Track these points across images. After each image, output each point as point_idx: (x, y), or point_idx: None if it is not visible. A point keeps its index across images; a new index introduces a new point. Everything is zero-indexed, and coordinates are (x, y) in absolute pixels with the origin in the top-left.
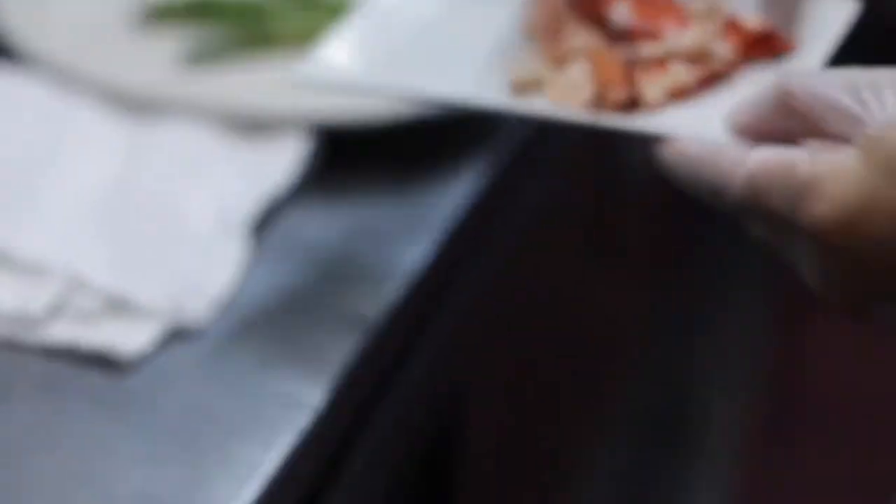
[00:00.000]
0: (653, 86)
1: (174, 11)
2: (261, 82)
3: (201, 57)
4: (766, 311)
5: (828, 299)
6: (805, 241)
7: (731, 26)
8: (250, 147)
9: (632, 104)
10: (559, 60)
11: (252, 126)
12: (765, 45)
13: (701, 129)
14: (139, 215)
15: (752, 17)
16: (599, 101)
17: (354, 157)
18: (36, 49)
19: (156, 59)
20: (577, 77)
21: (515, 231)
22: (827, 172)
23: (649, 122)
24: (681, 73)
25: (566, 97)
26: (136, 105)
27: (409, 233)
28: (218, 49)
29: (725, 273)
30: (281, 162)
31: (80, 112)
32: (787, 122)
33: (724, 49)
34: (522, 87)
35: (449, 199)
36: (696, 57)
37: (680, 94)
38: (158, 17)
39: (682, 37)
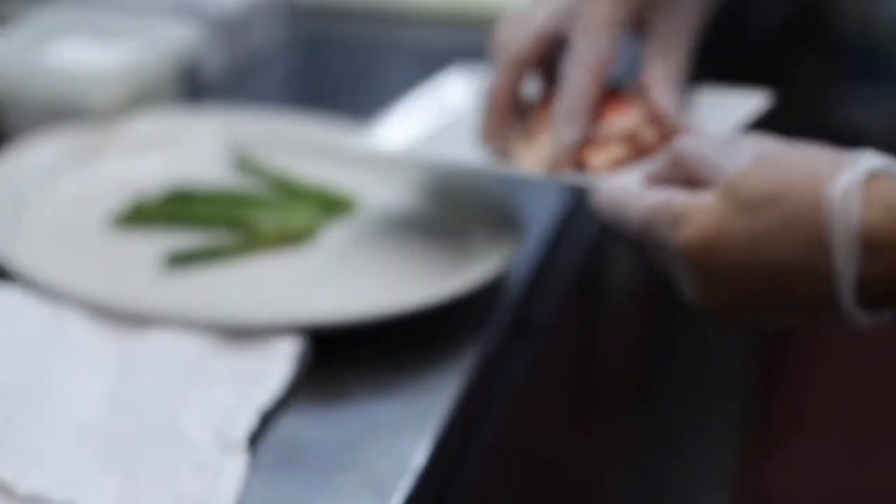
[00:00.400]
0: (597, 158)
1: (150, 214)
2: (246, 285)
3: (182, 261)
4: (736, 441)
5: (700, 310)
6: (679, 261)
7: (654, 117)
8: (241, 353)
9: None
10: (529, 138)
11: (241, 333)
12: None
13: (621, 181)
14: (137, 436)
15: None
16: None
17: (344, 355)
18: (15, 262)
19: (138, 266)
20: (541, 151)
21: (503, 413)
22: (694, 206)
23: (590, 180)
24: (618, 150)
25: (532, 165)
26: (120, 316)
27: (406, 430)
28: (198, 252)
29: (697, 407)
30: (273, 367)
31: (66, 326)
32: (677, 172)
33: (650, 133)
34: (501, 156)
35: (443, 391)
36: (630, 138)
37: (616, 165)
38: (134, 220)
39: (620, 121)
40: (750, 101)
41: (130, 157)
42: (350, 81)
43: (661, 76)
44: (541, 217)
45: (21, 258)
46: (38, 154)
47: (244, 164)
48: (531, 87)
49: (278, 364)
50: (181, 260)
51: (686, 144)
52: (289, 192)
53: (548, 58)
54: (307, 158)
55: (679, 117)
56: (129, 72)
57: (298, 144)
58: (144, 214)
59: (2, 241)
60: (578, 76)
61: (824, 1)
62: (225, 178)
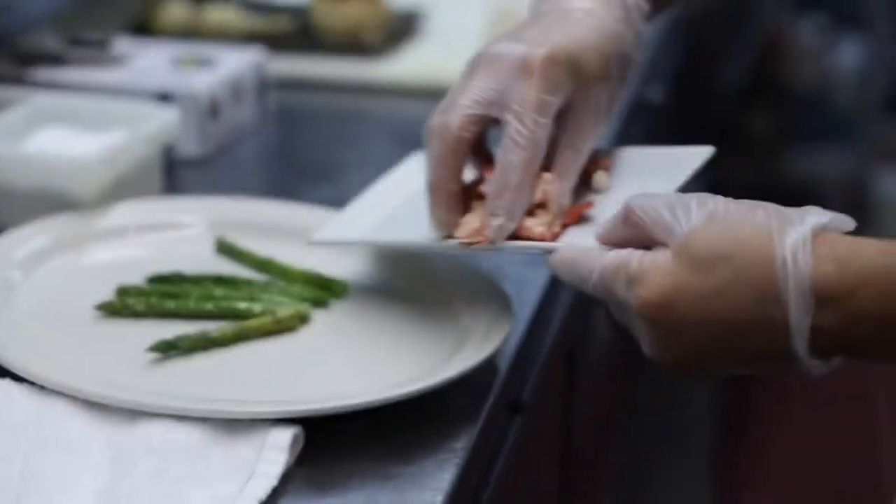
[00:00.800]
0: (534, 224)
1: (135, 305)
2: (237, 372)
3: (168, 350)
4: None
5: (659, 364)
6: (638, 319)
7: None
8: (235, 444)
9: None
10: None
11: (234, 423)
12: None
13: (576, 241)
14: None
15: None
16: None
17: (337, 438)
18: (3, 355)
19: (126, 356)
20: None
21: (497, 490)
22: (649, 266)
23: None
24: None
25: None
26: (111, 409)
27: None
28: (187, 342)
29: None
30: (269, 456)
31: (56, 420)
32: (630, 232)
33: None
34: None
35: (439, 476)
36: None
37: (551, 228)
38: (119, 312)
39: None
40: (695, 155)
41: (114, 244)
42: (328, 151)
43: (565, 167)
44: (523, 291)
45: (8, 350)
46: (22, 244)
47: (227, 249)
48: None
49: (274, 453)
50: (167, 349)
51: (637, 204)
52: (275, 275)
53: (480, 139)
54: (289, 242)
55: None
56: (110, 159)
57: (279, 229)
58: (129, 307)
59: None
60: (513, 160)
61: (780, 62)
62: (210, 263)
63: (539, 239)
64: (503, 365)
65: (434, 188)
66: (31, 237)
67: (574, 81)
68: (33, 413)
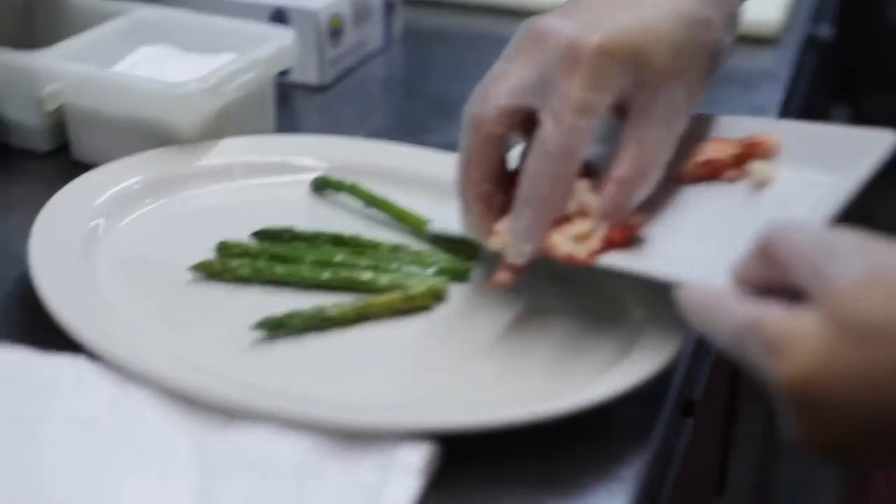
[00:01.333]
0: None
1: (241, 269)
2: (357, 365)
3: (276, 328)
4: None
5: (799, 446)
6: (777, 393)
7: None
8: (354, 461)
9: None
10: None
11: (355, 436)
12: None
13: (701, 275)
14: None
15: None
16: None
17: (477, 457)
18: (83, 330)
19: (223, 336)
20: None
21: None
22: (793, 332)
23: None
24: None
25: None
26: (203, 405)
27: None
28: (298, 320)
29: None
30: (397, 479)
31: (138, 415)
32: (767, 270)
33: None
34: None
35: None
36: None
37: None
38: (220, 275)
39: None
40: (873, 144)
41: (216, 188)
42: (461, 81)
43: (620, 175)
44: None
45: (83, 321)
46: (107, 185)
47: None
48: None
49: (404, 476)
50: (275, 328)
51: (779, 237)
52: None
53: (526, 123)
54: (421, 195)
55: (619, 217)
56: (215, 87)
57: (410, 178)
58: (231, 270)
59: (67, 297)
60: (539, 170)
61: None
62: (327, 214)
63: (565, 260)
64: (676, 363)
65: (463, 189)
66: (118, 176)
67: (634, 77)
68: (107, 403)
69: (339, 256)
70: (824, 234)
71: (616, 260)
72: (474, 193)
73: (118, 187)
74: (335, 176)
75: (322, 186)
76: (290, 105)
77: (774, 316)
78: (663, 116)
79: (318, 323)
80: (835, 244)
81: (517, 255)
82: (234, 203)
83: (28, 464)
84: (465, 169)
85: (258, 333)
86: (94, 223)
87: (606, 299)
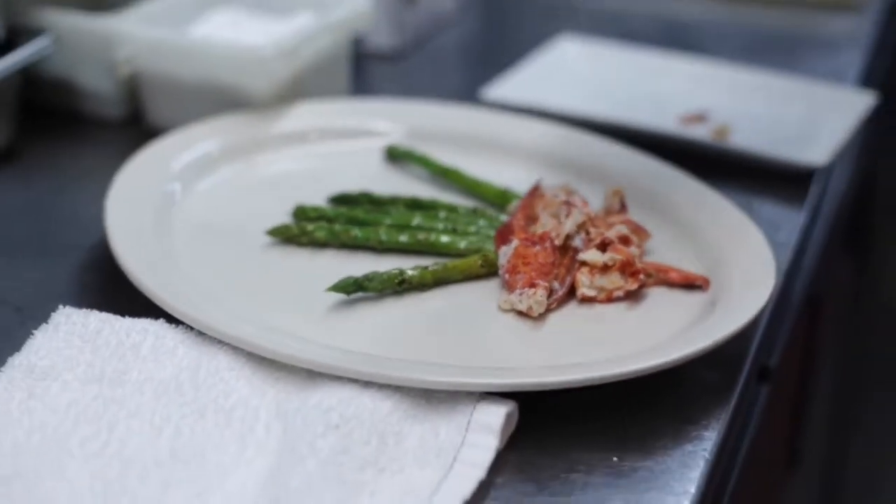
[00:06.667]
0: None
1: (318, 231)
2: (435, 324)
3: (355, 290)
4: None
5: None
6: None
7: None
8: (432, 421)
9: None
10: None
11: (434, 394)
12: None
13: None
14: None
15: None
16: None
17: (552, 419)
18: (162, 291)
19: (302, 298)
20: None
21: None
22: None
23: None
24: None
25: None
26: (283, 367)
27: None
28: (377, 280)
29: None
30: (474, 437)
31: (218, 375)
32: None
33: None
34: None
35: (680, 474)
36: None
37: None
38: (297, 238)
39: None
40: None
41: (292, 153)
42: (538, 46)
43: None
44: (777, 234)
45: (162, 285)
46: (184, 149)
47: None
48: None
49: (482, 436)
50: (353, 289)
51: None
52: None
53: None
54: (498, 160)
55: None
56: (291, 51)
57: (488, 143)
58: (308, 233)
59: (145, 262)
60: None
61: None
62: (404, 180)
63: (583, 298)
64: (755, 327)
65: None
66: (193, 141)
67: None
68: (189, 367)
69: (417, 219)
70: None
71: None
72: None
73: (194, 152)
74: (406, 145)
75: (394, 156)
76: (364, 71)
77: None
78: None
79: (396, 285)
80: None
81: None
82: (310, 167)
83: (108, 424)
84: None
85: (336, 297)
86: (170, 188)
87: (684, 251)
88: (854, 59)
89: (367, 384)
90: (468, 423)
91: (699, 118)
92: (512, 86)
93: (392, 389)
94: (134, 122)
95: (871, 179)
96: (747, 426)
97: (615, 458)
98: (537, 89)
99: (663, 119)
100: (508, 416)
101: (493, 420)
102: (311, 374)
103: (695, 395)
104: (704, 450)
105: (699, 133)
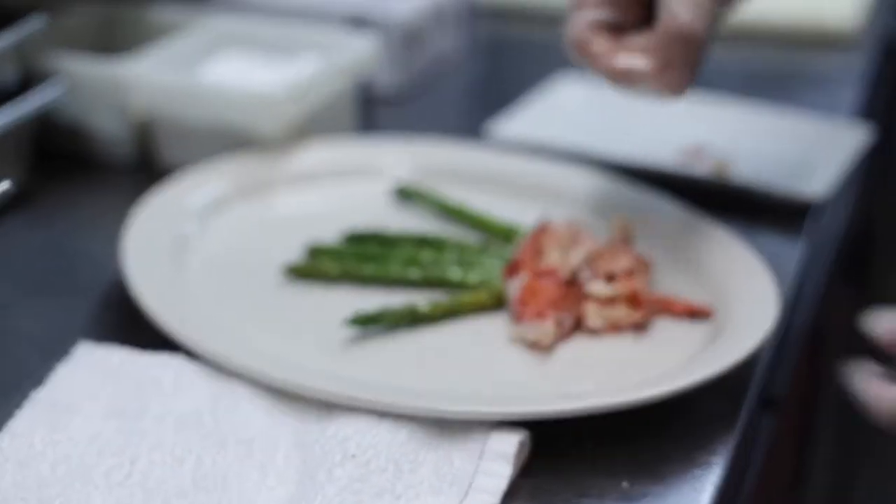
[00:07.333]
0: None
1: (329, 268)
2: (449, 358)
3: (367, 323)
4: None
5: None
6: None
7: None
8: (446, 450)
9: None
10: None
11: (448, 424)
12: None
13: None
14: None
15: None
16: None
17: (563, 447)
18: (178, 328)
19: (316, 333)
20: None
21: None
22: None
23: None
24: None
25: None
26: (300, 399)
27: None
28: (389, 314)
29: None
30: (488, 465)
31: (236, 408)
32: None
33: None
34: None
35: (690, 497)
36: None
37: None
38: (310, 275)
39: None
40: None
41: (303, 191)
42: (541, 89)
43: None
44: (779, 263)
45: (181, 321)
46: (198, 190)
47: (423, 200)
48: None
49: (496, 464)
50: (368, 323)
51: None
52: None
53: None
54: (505, 196)
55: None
56: (300, 94)
57: (493, 179)
58: (322, 271)
59: (162, 299)
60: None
61: None
62: (414, 217)
63: (591, 329)
64: (758, 357)
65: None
66: (207, 181)
67: None
68: (209, 400)
69: (427, 255)
70: None
71: None
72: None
73: (209, 190)
74: (413, 182)
75: (403, 196)
76: (370, 112)
77: None
78: None
79: (410, 318)
80: None
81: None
82: (321, 205)
83: (131, 457)
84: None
85: (350, 331)
86: (184, 227)
87: (690, 284)
88: (849, 93)
89: (383, 415)
90: (482, 451)
91: (697, 152)
92: (514, 123)
93: (407, 419)
94: (145, 165)
95: (869, 213)
96: (753, 450)
97: (625, 484)
98: (538, 126)
99: (662, 153)
100: (521, 445)
101: (506, 448)
102: (328, 406)
103: (702, 422)
104: (713, 475)
105: (700, 168)
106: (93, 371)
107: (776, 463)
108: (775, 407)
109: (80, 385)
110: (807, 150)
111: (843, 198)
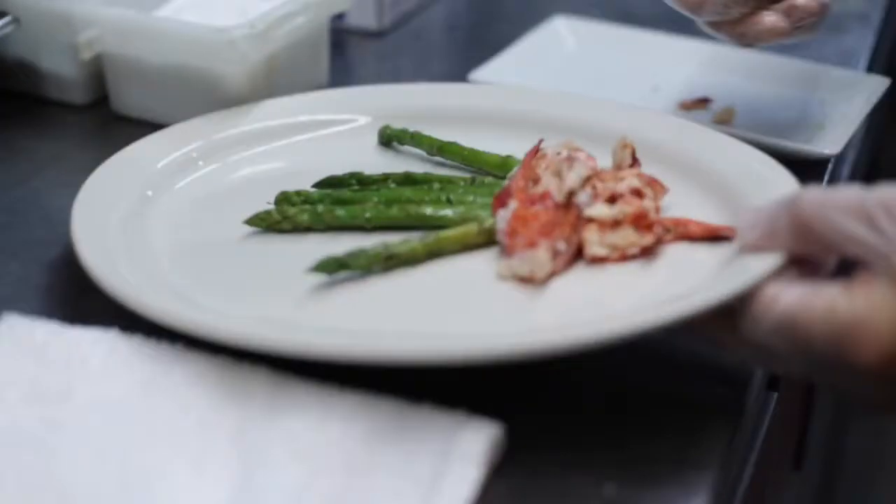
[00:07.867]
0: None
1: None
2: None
3: (336, 268)
4: None
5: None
6: (854, 375)
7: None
8: (409, 444)
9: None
10: None
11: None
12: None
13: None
14: None
15: None
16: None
17: (544, 441)
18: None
19: (280, 283)
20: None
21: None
22: (866, 312)
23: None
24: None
25: None
26: (246, 381)
27: None
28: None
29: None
30: (455, 467)
31: (173, 397)
32: (805, 247)
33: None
34: None
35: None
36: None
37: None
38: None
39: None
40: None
41: (275, 146)
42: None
43: None
44: None
45: (129, 282)
46: (157, 151)
47: (400, 138)
48: None
49: (463, 465)
50: (335, 269)
51: (817, 213)
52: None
53: None
54: (489, 137)
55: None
56: (265, 32)
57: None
58: (290, 218)
59: (107, 255)
60: None
61: None
62: (389, 165)
63: (592, 258)
64: None
65: None
66: (167, 142)
67: None
68: (141, 383)
69: (408, 193)
70: (860, 200)
71: None
72: None
73: (170, 152)
74: (397, 125)
75: (387, 137)
76: (345, 52)
77: (841, 300)
78: None
79: (384, 261)
80: (875, 210)
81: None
82: (294, 160)
83: (51, 450)
84: None
85: (317, 280)
86: (143, 189)
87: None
88: (864, 42)
89: (335, 408)
90: (449, 449)
91: (702, 103)
92: (502, 68)
93: (362, 415)
94: (99, 106)
95: (875, 166)
96: (758, 433)
97: (612, 484)
98: (529, 72)
99: (663, 104)
100: (493, 441)
101: (476, 447)
102: (276, 392)
103: (700, 413)
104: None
105: (701, 118)
106: (14, 348)
107: (779, 442)
108: (779, 385)
109: None
110: (818, 101)
111: (854, 151)
